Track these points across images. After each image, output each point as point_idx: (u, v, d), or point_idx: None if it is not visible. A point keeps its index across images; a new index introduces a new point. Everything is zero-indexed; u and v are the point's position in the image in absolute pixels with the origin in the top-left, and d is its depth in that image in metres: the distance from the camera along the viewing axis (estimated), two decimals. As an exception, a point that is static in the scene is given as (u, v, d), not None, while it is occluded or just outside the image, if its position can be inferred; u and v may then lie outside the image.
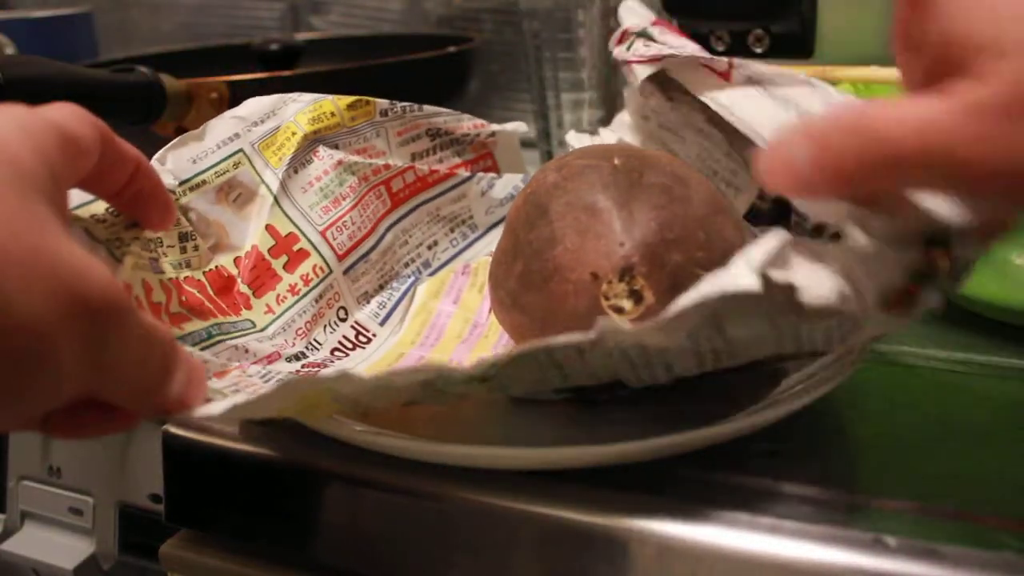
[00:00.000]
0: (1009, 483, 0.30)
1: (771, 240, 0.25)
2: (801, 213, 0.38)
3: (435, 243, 0.47)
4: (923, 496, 0.29)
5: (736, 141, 0.40)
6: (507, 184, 0.49)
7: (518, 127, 0.50)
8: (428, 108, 0.46)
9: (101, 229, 0.33)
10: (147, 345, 0.25)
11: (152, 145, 0.41)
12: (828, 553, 0.27)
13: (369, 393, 0.29)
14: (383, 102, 0.45)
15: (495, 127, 0.49)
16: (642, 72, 0.41)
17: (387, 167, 0.45)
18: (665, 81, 0.42)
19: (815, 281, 0.25)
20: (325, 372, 0.28)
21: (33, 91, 0.45)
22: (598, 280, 0.31)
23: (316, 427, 0.32)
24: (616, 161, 0.34)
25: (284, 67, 0.72)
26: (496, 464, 0.31)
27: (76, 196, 0.33)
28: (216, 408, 0.28)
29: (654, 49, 0.41)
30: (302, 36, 0.88)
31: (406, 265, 0.46)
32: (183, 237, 0.38)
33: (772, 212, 0.40)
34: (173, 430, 0.36)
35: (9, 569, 0.49)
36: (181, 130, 0.42)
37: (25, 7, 1.09)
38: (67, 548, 0.47)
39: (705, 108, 0.40)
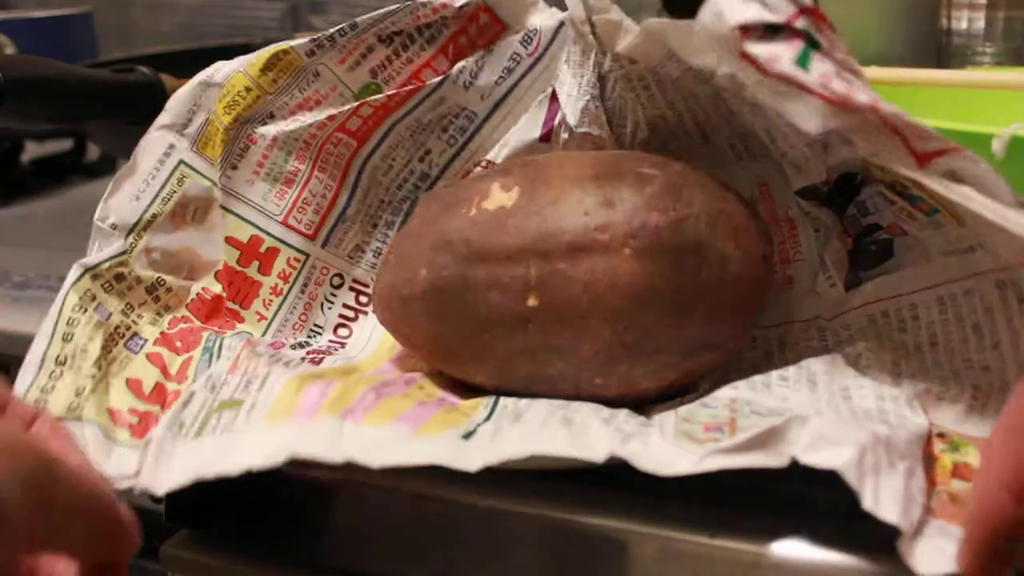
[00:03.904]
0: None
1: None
2: (860, 208, 0.37)
3: (427, 152, 0.42)
4: (923, 496, 0.29)
5: (830, 134, 0.34)
6: (501, 57, 0.41)
7: None
8: (363, 20, 0.39)
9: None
10: (87, 495, 0.25)
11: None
12: (829, 554, 0.27)
13: None
14: (304, 43, 0.39)
15: None
16: (820, 119, 0.30)
17: (332, 118, 0.40)
18: None
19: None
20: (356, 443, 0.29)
21: (33, 91, 0.45)
22: None
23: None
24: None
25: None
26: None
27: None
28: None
29: (841, 86, 0.29)
30: (302, 36, 0.88)
31: (399, 188, 0.42)
32: (150, 288, 0.37)
33: (828, 195, 0.37)
34: (173, 430, 0.36)
35: (9, 569, 0.49)
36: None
37: (25, 7, 1.09)
38: (67, 548, 0.47)
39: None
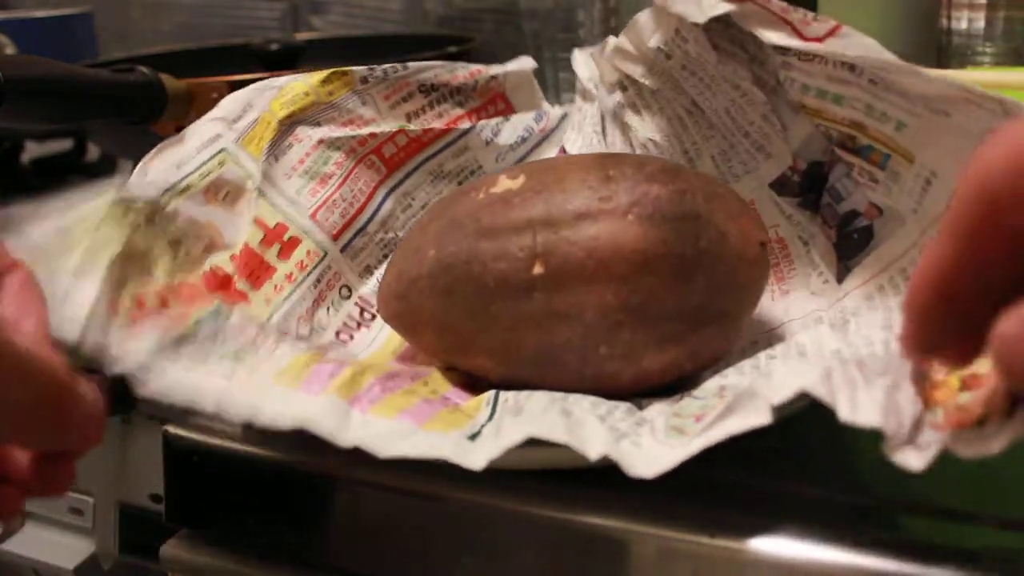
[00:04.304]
0: (1011, 483, 0.30)
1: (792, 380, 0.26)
2: (833, 195, 0.38)
3: None
4: (925, 496, 0.29)
5: (780, 107, 0.39)
6: (517, 126, 0.47)
7: (524, 63, 0.48)
8: (413, 65, 0.45)
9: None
10: (32, 380, 0.23)
11: (152, 146, 0.42)
12: (830, 553, 0.27)
13: None
14: (361, 69, 0.44)
15: (496, 69, 0.47)
16: (711, 8, 0.36)
17: (373, 136, 0.44)
18: (717, 30, 0.39)
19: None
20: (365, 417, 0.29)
21: (33, 91, 0.45)
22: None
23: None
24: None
25: (284, 67, 0.72)
26: (497, 464, 0.31)
27: None
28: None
29: None
30: (302, 36, 0.88)
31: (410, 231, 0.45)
32: (172, 243, 0.38)
33: (801, 185, 0.39)
34: (173, 430, 0.36)
35: (10, 569, 0.49)
36: (181, 130, 0.42)
37: (25, 7, 1.09)
38: (67, 548, 0.47)
39: (753, 69, 0.38)
